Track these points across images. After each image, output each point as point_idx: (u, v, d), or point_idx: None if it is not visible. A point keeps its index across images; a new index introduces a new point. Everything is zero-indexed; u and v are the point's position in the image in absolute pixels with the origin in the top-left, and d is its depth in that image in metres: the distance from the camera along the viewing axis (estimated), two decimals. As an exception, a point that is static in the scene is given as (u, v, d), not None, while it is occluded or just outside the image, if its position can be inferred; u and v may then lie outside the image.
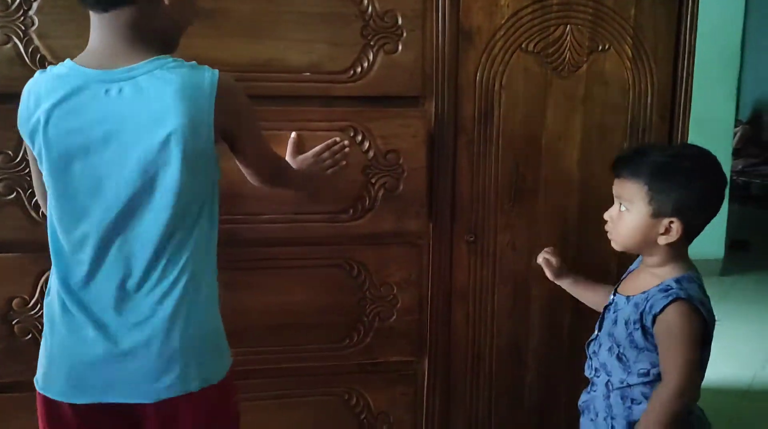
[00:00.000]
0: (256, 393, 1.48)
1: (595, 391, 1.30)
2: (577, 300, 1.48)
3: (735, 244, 4.28)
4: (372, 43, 1.40)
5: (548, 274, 1.44)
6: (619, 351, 1.25)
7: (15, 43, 1.29)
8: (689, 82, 1.56)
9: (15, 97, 1.29)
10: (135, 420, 1.05)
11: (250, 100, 1.12)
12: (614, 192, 1.26)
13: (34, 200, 1.34)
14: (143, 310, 1.02)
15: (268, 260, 1.43)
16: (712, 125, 3.71)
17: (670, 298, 1.17)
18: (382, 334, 1.51)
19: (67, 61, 1.03)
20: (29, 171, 1.31)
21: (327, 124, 1.41)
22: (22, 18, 1.28)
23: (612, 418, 1.25)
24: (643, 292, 1.23)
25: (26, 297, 1.36)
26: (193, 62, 1.03)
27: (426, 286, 1.51)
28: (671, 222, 1.19)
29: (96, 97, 0.99)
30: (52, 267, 1.06)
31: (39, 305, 1.36)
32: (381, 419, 1.55)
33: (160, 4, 1.02)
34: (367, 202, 1.44)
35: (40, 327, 1.36)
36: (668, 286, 1.20)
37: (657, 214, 1.19)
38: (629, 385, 1.24)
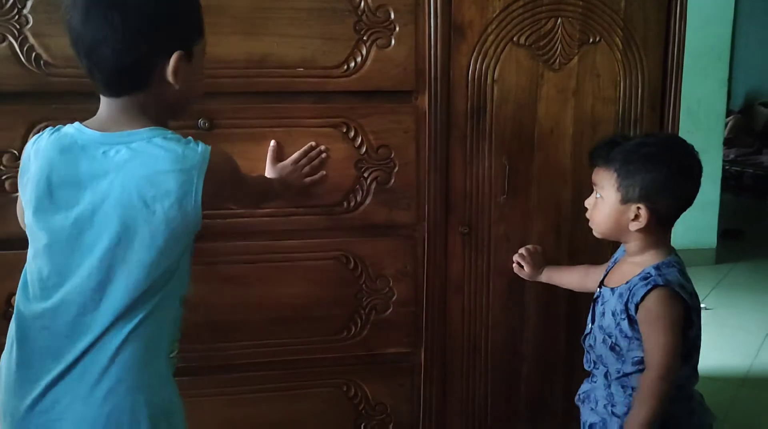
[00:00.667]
0: (255, 385, 1.50)
1: (595, 381, 1.33)
2: (573, 292, 1.52)
3: (728, 233, 4.32)
4: (365, 38, 1.41)
5: (524, 276, 1.50)
6: (611, 342, 1.27)
7: (10, 42, 1.29)
8: (679, 73, 1.58)
9: (9, 97, 1.32)
10: None
11: (235, 165, 1.14)
12: (592, 180, 1.30)
13: None
14: None
15: (266, 254, 1.45)
16: (704, 115, 3.74)
17: (650, 286, 1.20)
18: (379, 326, 1.53)
19: (76, 123, 1.04)
20: None
21: (320, 121, 1.42)
22: (16, 17, 1.29)
23: (612, 405, 1.28)
24: (626, 283, 1.26)
25: (25, 294, 1.37)
26: (189, 137, 1.04)
27: (421, 279, 1.53)
28: (638, 208, 1.22)
29: (94, 157, 1.00)
30: None
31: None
32: (379, 409, 1.57)
33: (171, 87, 1.03)
34: (360, 195, 1.47)
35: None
36: (648, 273, 1.23)
37: (626, 200, 1.23)
38: (626, 374, 1.26)
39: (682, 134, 1.59)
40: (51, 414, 0.98)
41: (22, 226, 1.12)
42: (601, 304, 1.31)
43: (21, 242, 1.31)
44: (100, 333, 0.98)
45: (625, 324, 1.24)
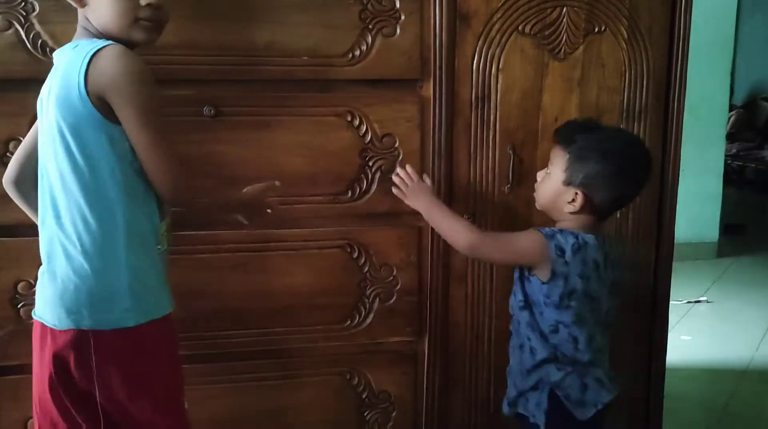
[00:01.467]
0: (261, 373, 1.50)
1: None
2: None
3: (730, 227, 4.32)
4: (370, 26, 1.41)
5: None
6: (512, 299, 1.39)
7: (16, 29, 1.29)
8: (684, 63, 1.57)
9: (18, 83, 1.32)
10: None
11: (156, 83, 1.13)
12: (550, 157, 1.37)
13: None
14: None
15: (271, 242, 1.45)
16: (706, 110, 3.73)
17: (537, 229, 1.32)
18: (383, 315, 1.53)
19: None
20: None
21: (325, 109, 1.43)
22: (22, 4, 1.29)
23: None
24: None
25: (31, 280, 1.37)
26: (107, 42, 1.10)
27: (425, 268, 1.53)
28: (576, 193, 1.29)
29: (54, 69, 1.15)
30: None
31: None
32: (382, 398, 1.57)
33: (91, 10, 1.13)
34: (365, 184, 1.47)
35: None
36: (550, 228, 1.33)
37: (568, 183, 1.30)
38: (517, 321, 1.37)
39: (684, 129, 1.61)
40: None
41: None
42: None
43: (25, 229, 1.32)
44: None
45: (516, 275, 1.36)
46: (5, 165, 1.29)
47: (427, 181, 1.45)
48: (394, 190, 1.45)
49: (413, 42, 1.44)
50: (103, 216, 1.12)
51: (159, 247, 1.21)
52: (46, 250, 1.16)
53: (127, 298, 1.13)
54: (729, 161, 5.20)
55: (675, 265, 1.69)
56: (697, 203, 3.72)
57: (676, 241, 1.66)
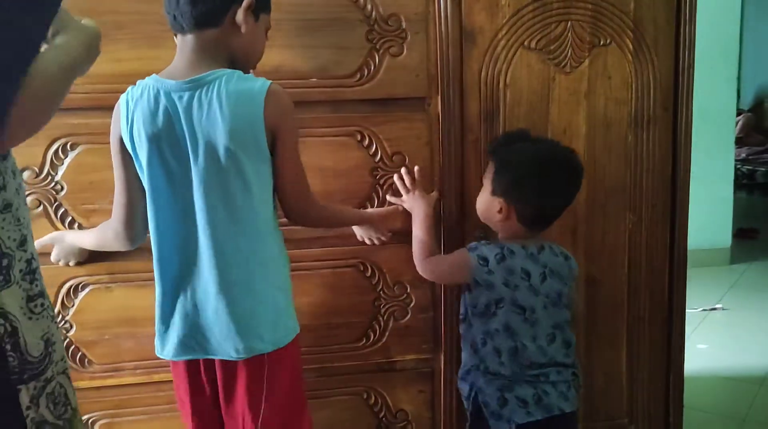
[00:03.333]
0: (277, 395, 1.50)
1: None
2: (592, 285, 1.57)
3: (742, 231, 4.29)
4: (377, 46, 1.43)
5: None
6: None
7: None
8: (691, 73, 1.58)
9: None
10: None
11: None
12: None
13: (61, 212, 1.38)
14: None
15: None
16: (714, 115, 3.72)
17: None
18: (398, 332, 1.53)
19: (155, 75, 1.16)
20: (54, 185, 1.37)
21: (335, 130, 1.44)
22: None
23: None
24: None
25: (48, 308, 1.38)
26: (250, 74, 1.16)
27: (439, 284, 1.53)
28: (500, 202, 1.33)
29: (169, 103, 1.12)
30: None
31: (61, 316, 1.39)
32: (400, 417, 1.57)
33: (238, 32, 1.16)
34: (377, 202, 1.48)
35: (64, 333, 1.39)
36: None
37: (494, 193, 1.34)
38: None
39: (693, 135, 1.61)
40: None
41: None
42: None
43: (42, 256, 1.33)
44: None
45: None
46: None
47: (435, 194, 1.49)
48: (391, 198, 1.48)
49: (420, 60, 1.45)
50: (262, 243, 1.17)
51: None
52: (193, 286, 1.17)
53: (288, 315, 1.22)
54: (738, 166, 5.18)
55: (688, 272, 1.68)
56: (709, 209, 3.70)
57: (688, 247, 1.66)
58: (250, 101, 1.11)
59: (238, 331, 1.15)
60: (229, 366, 1.19)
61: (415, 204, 1.45)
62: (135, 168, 1.17)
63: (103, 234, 1.27)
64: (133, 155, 1.15)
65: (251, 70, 1.24)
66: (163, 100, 1.11)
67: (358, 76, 1.43)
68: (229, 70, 1.14)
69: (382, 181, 1.48)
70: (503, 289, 1.31)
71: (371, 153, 1.46)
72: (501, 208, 1.33)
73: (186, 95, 1.11)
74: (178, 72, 1.14)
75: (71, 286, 1.39)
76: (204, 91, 1.11)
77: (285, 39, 1.39)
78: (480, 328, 1.34)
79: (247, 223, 1.15)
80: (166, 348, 1.20)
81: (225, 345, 1.16)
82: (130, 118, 1.13)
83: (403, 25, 1.43)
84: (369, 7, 1.42)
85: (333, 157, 1.45)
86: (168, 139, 1.12)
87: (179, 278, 1.17)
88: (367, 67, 1.43)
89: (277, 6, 1.37)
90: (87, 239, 1.32)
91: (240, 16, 1.15)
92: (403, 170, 1.47)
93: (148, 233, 1.19)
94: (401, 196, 1.47)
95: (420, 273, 1.42)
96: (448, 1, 1.44)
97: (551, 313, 1.33)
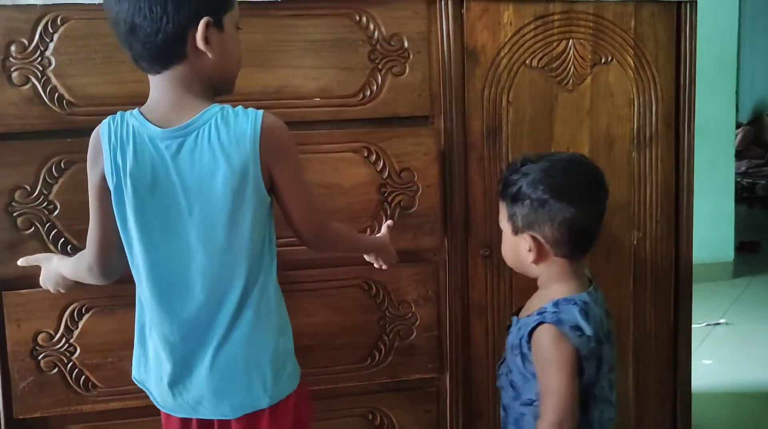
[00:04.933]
0: (281, 417, 1.49)
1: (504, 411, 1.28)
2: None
3: (744, 245, 4.29)
4: (380, 66, 1.43)
5: None
6: (510, 378, 1.23)
7: (33, 84, 1.32)
8: (692, 88, 1.59)
9: (33, 135, 1.34)
10: None
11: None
12: None
13: (53, 233, 1.35)
14: None
15: (290, 284, 1.44)
16: (713, 129, 3.73)
17: (536, 322, 1.15)
18: (403, 352, 1.52)
19: (136, 111, 1.08)
20: (47, 205, 1.34)
21: (341, 146, 1.43)
22: (39, 59, 1.31)
23: None
24: (529, 316, 1.20)
25: (51, 332, 1.37)
26: (239, 107, 1.07)
27: (444, 303, 1.52)
28: (525, 238, 1.19)
29: (156, 151, 1.05)
30: None
31: (64, 339, 1.37)
32: (406, 437, 1.56)
33: (206, 57, 1.06)
34: (384, 220, 1.46)
35: (65, 361, 1.38)
36: (545, 309, 1.16)
37: (515, 231, 1.20)
38: (521, 414, 1.21)
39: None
40: None
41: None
42: (510, 336, 1.27)
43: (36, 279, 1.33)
44: None
45: (518, 360, 1.19)
46: (10, 214, 1.31)
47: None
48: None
49: (423, 79, 1.45)
50: (259, 288, 1.10)
51: None
52: (186, 336, 1.09)
53: (289, 362, 1.15)
54: (739, 179, 5.19)
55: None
56: (710, 223, 3.69)
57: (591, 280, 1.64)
58: (243, 145, 1.04)
59: (228, 386, 1.09)
60: (224, 424, 1.12)
61: None
62: (112, 205, 1.08)
63: (77, 267, 1.19)
64: (113, 193, 1.07)
65: (228, 83, 1.16)
66: (149, 146, 1.05)
67: (361, 95, 1.44)
68: (216, 108, 1.05)
69: (389, 199, 1.46)
70: (599, 348, 1.15)
71: (378, 169, 1.45)
72: (530, 246, 1.18)
73: (174, 144, 1.04)
74: (162, 115, 1.06)
75: (74, 309, 1.38)
76: (193, 139, 1.04)
77: (290, 60, 1.39)
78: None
79: (246, 270, 1.08)
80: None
81: (219, 403, 1.10)
82: (112, 155, 1.05)
83: (405, 44, 1.44)
84: (371, 27, 1.42)
85: (338, 174, 1.43)
86: (154, 186, 1.05)
87: (175, 325, 1.10)
88: (370, 86, 1.44)
89: (283, 28, 1.38)
90: (65, 269, 1.24)
91: (200, 42, 1.04)
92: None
93: (125, 268, 1.12)
94: None
95: None
96: (450, 21, 1.45)
97: (611, 353, 1.21)
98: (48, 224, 1.35)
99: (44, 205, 1.35)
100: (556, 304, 1.16)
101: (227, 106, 1.07)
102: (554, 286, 1.21)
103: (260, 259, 1.10)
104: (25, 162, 1.33)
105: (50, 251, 1.35)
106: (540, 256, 1.19)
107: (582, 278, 1.23)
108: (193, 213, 1.06)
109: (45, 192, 1.34)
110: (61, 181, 1.35)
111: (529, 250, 1.19)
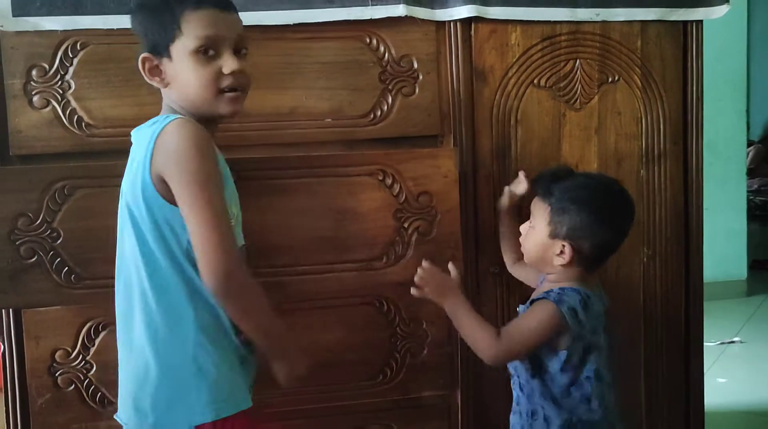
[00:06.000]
0: (294, 433, 1.50)
1: (518, 405, 1.37)
2: (607, 319, 1.54)
3: (757, 263, 4.26)
4: (390, 87, 1.46)
5: (503, 201, 1.49)
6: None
7: (54, 107, 1.36)
8: (700, 106, 1.60)
9: (53, 157, 1.37)
10: None
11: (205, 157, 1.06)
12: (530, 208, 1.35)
13: (57, 262, 1.33)
14: None
15: (302, 301, 1.46)
16: (724, 147, 3.74)
17: (541, 297, 1.28)
18: (415, 369, 1.53)
19: None
20: (50, 233, 1.32)
21: (355, 169, 1.40)
22: (59, 82, 1.36)
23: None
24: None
25: (69, 348, 1.39)
26: (176, 116, 1.10)
27: (454, 319, 1.53)
28: (563, 245, 1.27)
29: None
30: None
31: (81, 356, 1.40)
32: (418, 454, 1.56)
33: (168, 85, 1.14)
34: (401, 247, 1.43)
35: (82, 378, 1.40)
36: (551, 290, 1.29)
37: (554, 236, 1.28)
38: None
39: (704, 167, 1.62)
40: None
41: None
42: None
43: (61, 298, 1.35)
44: None
45: None
46: (12, 242, 1.31)
47: (453, 271, 1.37)
48: (414, 291, 1.35)
49: (432, 100, 1.48)
50: (169, 309, 1.07)
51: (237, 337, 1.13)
52: (122, 339, 1.16)
53: (193, 393, 1.07)
54: (751, 197, 5.16)
55: (704, 305, 1.68)
56: (723, 241, 3.68)
57: (704, 280, 1.66)
58: (145, 150, 1.05)
59: (129, 393, 1.12)
60: None
61: (448, 292, 1.33)
62: None
63: None
64: None
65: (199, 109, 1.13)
66: None
67: (372, 115, 1.46)
68: (161, 116, 1.11)
69: (406, 225, 1.43)
70: (592, 337, 1.28)
71: (395, 193, 1.41)
72: (562, 251, 1.27)
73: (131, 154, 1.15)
74: None
75: (91, 327, 1.40)
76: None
77: (303, 81, 1.43)
78: (563, 380, 1.28)
79: (153, 283, 1.07)
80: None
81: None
82: None
83: (415, 65, 1.47)
84: (382, 49, 1.45)
85: (352, 199, 1.39)
86: None
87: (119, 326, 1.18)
88: (381, 107, 1.46)
89: (297, 50, 1.41)
90: None
91: (145, 76, 1.12)
92: (424, 264, 1.36)
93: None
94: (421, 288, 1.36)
95: (491, 360, 1.30)
96: (459, 42, 1.48)
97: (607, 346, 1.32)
98: (51, 253, 1.32)
99: (47, 233, 1.32)
100: (562, 289, 1.28)
101: (171, 116, 1.10)
102: (565, 284, 1.30)
103: (172, 281, 1.08)
104: (28, 188, 1.31)
105: (54, 280, 1.32)
106: (566, 262, 1.28)
107: (591, 285, 1.33)
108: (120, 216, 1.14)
109: (48, 219, 1.31)
110: (64, 207, 1.32)
111: (559, 254, 1.28)
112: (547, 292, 1.28)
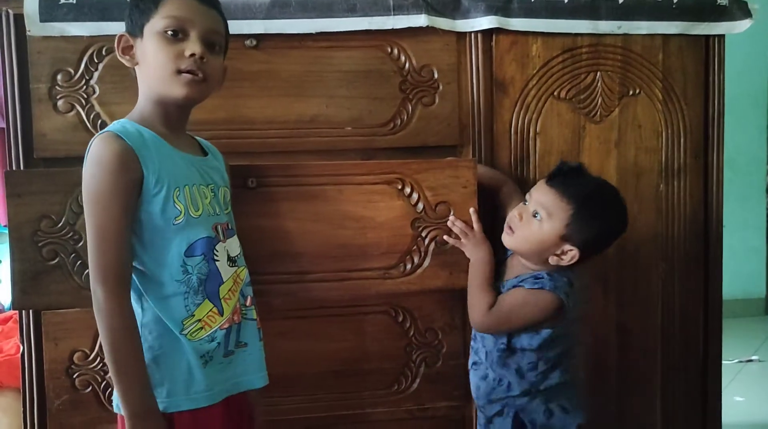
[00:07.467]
0: (308, 441, 1.50)
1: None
2: (624, 334, 1.57)
3: (777, 281, 4.20)
4: (410, 96, 1.47)
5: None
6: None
7: (78, 111, 1.38)
8: (720, 121, 1.59)
9: (76, 161, 1.37)
10: None
11: (107, 174, 1.06)
12: (535, 196, 1.31)
13: (77, 265, 1.32)
14: None
15: (317, 309, 1.47)
16: (743, 163, 3.71)
17: (537, 286, 1.29)
18: (429, 379, 1.52)
19: None
20: (72, 235, 1.32)
21: (374, 177, 1.39)
22: (84, 87, 1.38)
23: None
24: (516, 277, 1.34)
25: (87, 350, 1.41)
26: (122, 122, 1.12)
27: (470, 330, 1.52)
28: (571, 249, 1.28)
29: None
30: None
31: (99, 358, 1.41)
32: (431, 465, 1.55)
33: (139, 66, 1.15)
34: (418, 257, 1.42)
35: (99, 379, 1.41)
36: (540, 275, 1.30)
37: (566, 239, 1.27)
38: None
39: (723, 183, 1.61)
40: None
41: None
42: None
43: (79, 300, 1.35)
44: None
45: None
46: (35, 243, 1.30)
47: (477, 224, 1.40)
48: (448, 238, 1.39)
49: (452, 110, 1.48)
50: (132, 306, 1.10)
51: (207, 336, 1.13)
52: None
53: (158, 382, 1.10)
54: (771, 214, 5.10)
55: (723, 322, 1.66)
56: (742, 258, 3.64)
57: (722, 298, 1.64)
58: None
59: None
60: None
61: (475, 249, 1.37)
62: None
63: None
64: None
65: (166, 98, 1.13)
66: None
67: (392, 125, 1.47)
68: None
69: (424, 234, 1.41)
70: (574, 315, 1.32)
71: (413, 203, 1.40)
72: (564, 253, 1.28)
73: None
74: None
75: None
76: None
77: (325, 90, 1.44)
78: (534, 355, 1.32)
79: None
80: None
81: None
82: None
83: (435, 75, 1.47)
84: (403, 59, 1.46)
85: (370, 207, 1.38)
86: None
87: None
88: (400, 116, 1.47)
89: (319, 59, 1.43)
90: None
91: (118, 55, 1.15)
92: (452, 218, 1.40)
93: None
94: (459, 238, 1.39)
95: (477, 328, 1.37)
96: (480, 53, 1.48)
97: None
98: (72, 255, 1.32)
99: (69, 235, 1.32)
100: (550, 274, 1.30)
101: (107, 128, 1.11)
102: (549, 269, 1.33)
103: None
104: (52, 190, 1.32)
105: (74, 282, 1.32)
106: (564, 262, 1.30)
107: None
108: None
109: (70, 222, 1.32)
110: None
111: (560, 255, 1.29)
112: (535, 279, 1.30)
